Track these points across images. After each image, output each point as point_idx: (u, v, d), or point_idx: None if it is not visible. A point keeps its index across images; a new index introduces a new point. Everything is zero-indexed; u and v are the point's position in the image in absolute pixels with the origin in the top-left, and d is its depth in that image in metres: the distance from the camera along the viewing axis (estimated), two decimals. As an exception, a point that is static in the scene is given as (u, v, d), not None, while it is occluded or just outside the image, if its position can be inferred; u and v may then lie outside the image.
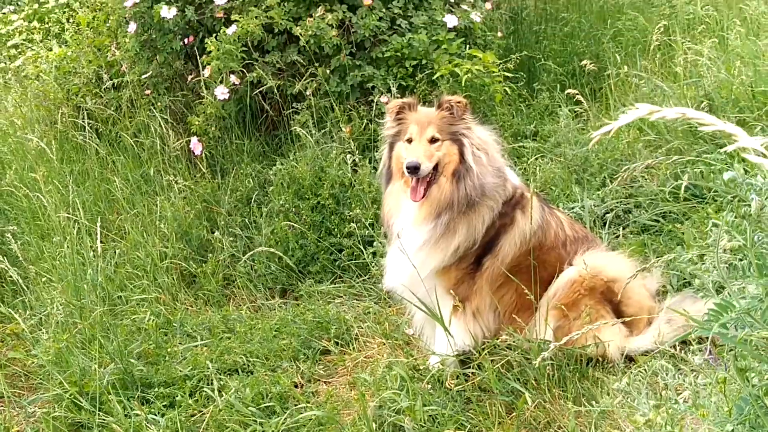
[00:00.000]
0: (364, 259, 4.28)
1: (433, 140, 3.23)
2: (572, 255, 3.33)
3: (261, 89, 5.27)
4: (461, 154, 3.21)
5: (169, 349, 3.83)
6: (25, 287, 4.36)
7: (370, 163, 4.78)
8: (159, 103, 5.75)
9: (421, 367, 3.37)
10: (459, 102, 3.24)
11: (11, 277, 4.14)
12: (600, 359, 3.23)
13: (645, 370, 2.17)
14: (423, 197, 3.21)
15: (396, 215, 3.35)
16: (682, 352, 2.40)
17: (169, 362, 3.71)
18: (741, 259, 1.29)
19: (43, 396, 3.65)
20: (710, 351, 1.57)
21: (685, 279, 3.53)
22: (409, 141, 3.25)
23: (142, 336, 3.94)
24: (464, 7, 5.68)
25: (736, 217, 1.25)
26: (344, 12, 5.24)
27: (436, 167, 3.21)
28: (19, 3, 11.01)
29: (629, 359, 3.23)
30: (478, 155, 3.23)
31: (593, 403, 2.82)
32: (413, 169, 3.14)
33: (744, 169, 3.73)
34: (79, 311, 4.05)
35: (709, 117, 1.22)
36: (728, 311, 1.24)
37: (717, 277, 1.34)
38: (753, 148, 1.10)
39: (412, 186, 3.22)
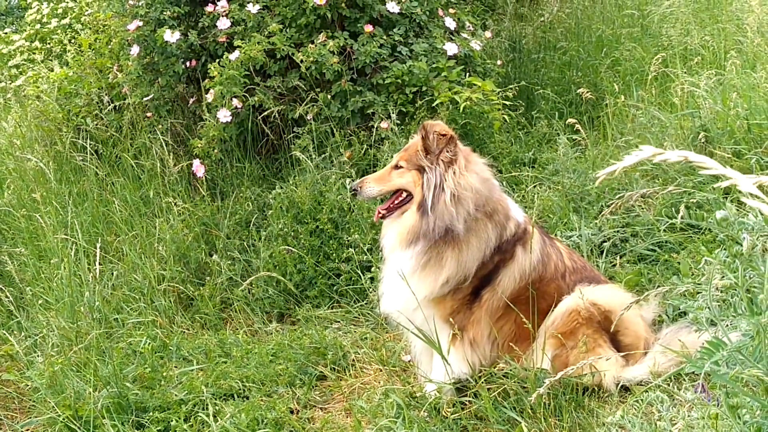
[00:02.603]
0: (362, 284, 4.28)
1: (398, 167, 3.27)
2: (571, 286, 3.33)
3: (262, 113, 5.31)
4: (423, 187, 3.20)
5: (164, 373, 3.82)
6: (20, 309, 4.35)
7: (369, 188, 4.80)
8: (160, 126, 5.79)
9: (418, 395, 3.36)
10: (443, 135, 3.16)
11: (7, 298, 4.15)
12: (596, 388, 3.23)
13: (640, 401, 2.18)
14: (381, 217, 3.34)
15: (384, 235, 3.42)
16: (675, 386, 2.40)
17: (164, 386, 3.70)
18: (733, 296, 1.31)
19: (37, 419, 3.64)
20: (703, 386, 1.58)
21: (680, 309, 3.54)
22: None
23: (137, 359, 3.93)
24: (464, 35, 5.74)
25: (728, 256, 1.27)
26: (345, 39, 5.30)
27: (411, 196, 3.25)
28: (21, 23, 11.11)
29: (625, 389, 3.22)
30: (441, 195, 3.14)
31: (589, 433, 2.82)
32: (352, 192, 3.34)
33: (737, 200, 3.76)
34: (75, 334, 4.05)
35: (710, 161, 1.24)
36: (720, 349, 1.26)
37: (710, 314, 1.35)
38: (749, 192, 1.12)
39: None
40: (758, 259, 1.26)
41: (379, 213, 3.34)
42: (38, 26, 9.57)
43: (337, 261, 4.56)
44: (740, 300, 1.26)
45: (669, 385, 2.75)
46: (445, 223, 3.14)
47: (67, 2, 9.45)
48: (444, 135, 3.16)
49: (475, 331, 3.28)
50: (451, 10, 5.87)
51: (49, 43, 9.43)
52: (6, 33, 10.24)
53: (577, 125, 4.96)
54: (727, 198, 3.93)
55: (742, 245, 1.27)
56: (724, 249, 1.29)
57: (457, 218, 3.15)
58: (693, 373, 2.21)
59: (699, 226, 4.04)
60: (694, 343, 3.02)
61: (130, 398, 3.57)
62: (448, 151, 3.16)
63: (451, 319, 3.25)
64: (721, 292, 1.37)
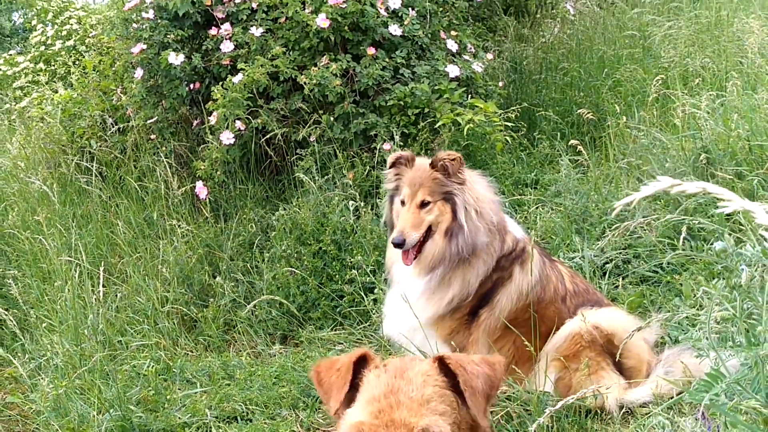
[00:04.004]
0: (365, 305, 4.29)
1: (423, 204, 3.25)
2: (573, 309, 3.33)
3: (266, 135, 5.35)
4: (454, 213, 3.23)
5: (168, 396, 3.82)
6: (24, 331, 4.36)
7: (372, 209, 4.83)
8: (164, 148, 5.82)
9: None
10: (453, 159, 3.22)
11: (11, 320, 4.16)
12: (599, 411, 3.22)
13: (642, 426, 2.18)
14: (414, 259, 3.28)
15: (395, 262, 3.40)
16: (678, 410, 2.40)
17: (168, 409, 3.70)
18: (732, 326, 1.32)
19: (41, 442, 3.64)
20: (703, 414, 1.59)
21: (682, 331, 3.53)
22: (403, 203, 3.28)
23: (141, 382, 3.93)
24: (466, 57, 5.78)
25: (726, 287, 1.28)
26: (348, 61, 5.34)
27: (429, 228, 3.25)
28: (26, 45, 11.19)
29: (628, 411, 3.22)
30: (470, 213, 3.23)
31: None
32: (397, 245, 3.21)
33: (739, 222, 3.76)
34: (79, 356, 4.05)
35: (729, 193, 1.26)
36: (718, 381, 1.26)
37: (708, 345, 1.36)
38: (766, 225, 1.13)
39: (403, 251, 3.27)
40: (756, 290, 1.27)
41: (411, 257, 3.28)
42: (43, 48, 9.64)
43: (340, 282, 4.57)
44: (739, 331, 1.27)
45: (672, 409, 2.74)
46: (474, 239, 3.22)
47: (72, 24, 9.54)
48: (454, 160, 3.22)
49: (475, 351, 3.29)
50: (452, 33, 5.92)
51: (53, 65, 9.50)
52: (11, 55, 10.32)
53: (579, 146, 4.99)
54: (729, 219, 3.93)
55: (740, 276, 1.28)
56: (723, 279, 1.30)
57: (483, 232, 3.24)
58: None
59: (701, 249, 4.04)
60: (696, 365, 3.02)
61: (133, 421, 3.57)
62: (460, 173, 3.22)
63: (453, 342, 3.26)
64: (719, 323, 1.38)
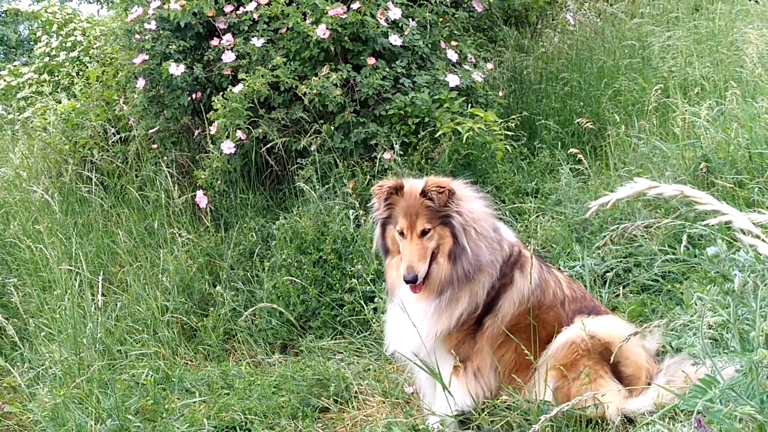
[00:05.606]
0: (365, 315, 4.28)
1: (424, 232, 3.18)
2: (571, 314, 3.33)
3: (266, 145, 5.36)
4: (454, 236, 3.18)
5: (166, 406, 3.81)
6: (23, 340, 4.35)
7: (372, 218, 4.83)
8: (165, 157, 5.83)
9: (421, 427, 3.35)
10: (441, 192, 3.16)
11: (11, 329, 4.16)
12: (599, 420, 3.20)
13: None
14: (422, 287, 3.21)
15: (399, 286, 3.34)
16: (677, 418, 2.39)
17: (166, 419, 3.69)
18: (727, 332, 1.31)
19: (39, 452, 3.63)
20: (699, 421, 1.58)
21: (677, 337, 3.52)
22: (401, 234, 3.22)
23: (140, 391, 3.92)
24: (466, 67, 5.80)
25: (719, 293, 1.27)
26: (349, 71, 5.35)
27: (432, 252, 3.22)
28: (31, 56, 11.24)
29: (629, 420, 3.20)
30: (470, 234, 3.19)
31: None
32: (410, 282, 3.14)
33: (741, 231, 3.75)
34: (78, 366, 4.05)
35: (707, 196, 1.26)
36: (712, 387, 1.26)
37: (701, 352, 1.36)
38: (746, 228, 1.13)
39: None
40: (750, 295, 1.27)
41: (420, 287, 3.21)
42: (47, 59, 9.69)
43: (340, 291, 4.57)
44: (733, 337, 1.26)
45: (674, 419, 2.73)
46: (479, 259, 3.19)
47: (76, 36, 9.59)
48: (442, 192, 3.16)
49: (479, 361, 3.29)
50: (453, 43, 5.94)
51: (57, 76, 9.55)
52: (15, 66, 10.38)
53: (579, 155, 4.99)
54: (728, 227, 3.92)
55: (733, 282, 1.28)
56: (716, 285, 1.30)
57: (486, 250, 3.22)
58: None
59: (702, 256, 4.03)
60: (697, 374, 3.00)
61: (131, 431, 3.56)
62: (450, 203, 3.19)
63: (452, 351, 3.25)
64: (713, 329, 1.37)
